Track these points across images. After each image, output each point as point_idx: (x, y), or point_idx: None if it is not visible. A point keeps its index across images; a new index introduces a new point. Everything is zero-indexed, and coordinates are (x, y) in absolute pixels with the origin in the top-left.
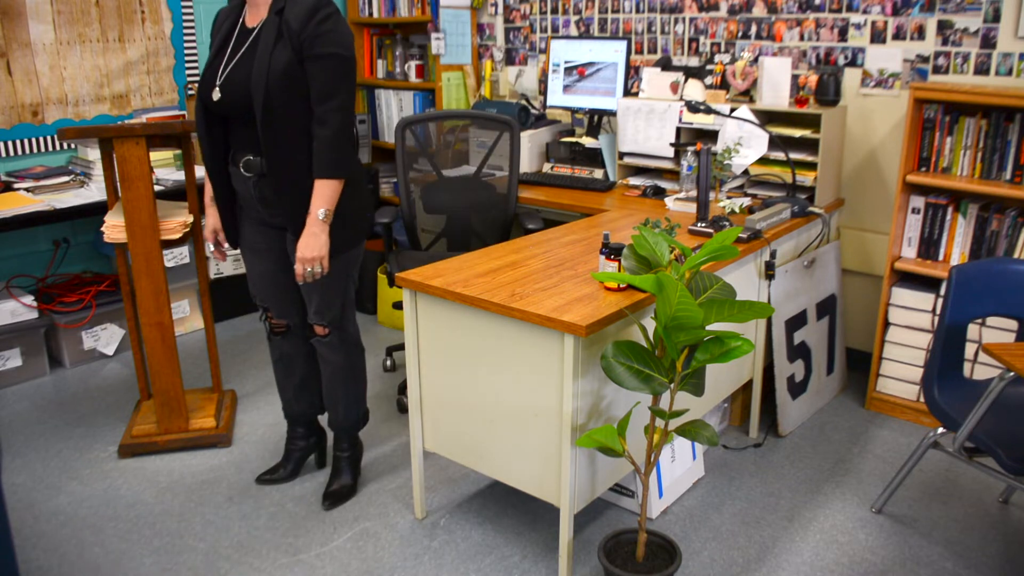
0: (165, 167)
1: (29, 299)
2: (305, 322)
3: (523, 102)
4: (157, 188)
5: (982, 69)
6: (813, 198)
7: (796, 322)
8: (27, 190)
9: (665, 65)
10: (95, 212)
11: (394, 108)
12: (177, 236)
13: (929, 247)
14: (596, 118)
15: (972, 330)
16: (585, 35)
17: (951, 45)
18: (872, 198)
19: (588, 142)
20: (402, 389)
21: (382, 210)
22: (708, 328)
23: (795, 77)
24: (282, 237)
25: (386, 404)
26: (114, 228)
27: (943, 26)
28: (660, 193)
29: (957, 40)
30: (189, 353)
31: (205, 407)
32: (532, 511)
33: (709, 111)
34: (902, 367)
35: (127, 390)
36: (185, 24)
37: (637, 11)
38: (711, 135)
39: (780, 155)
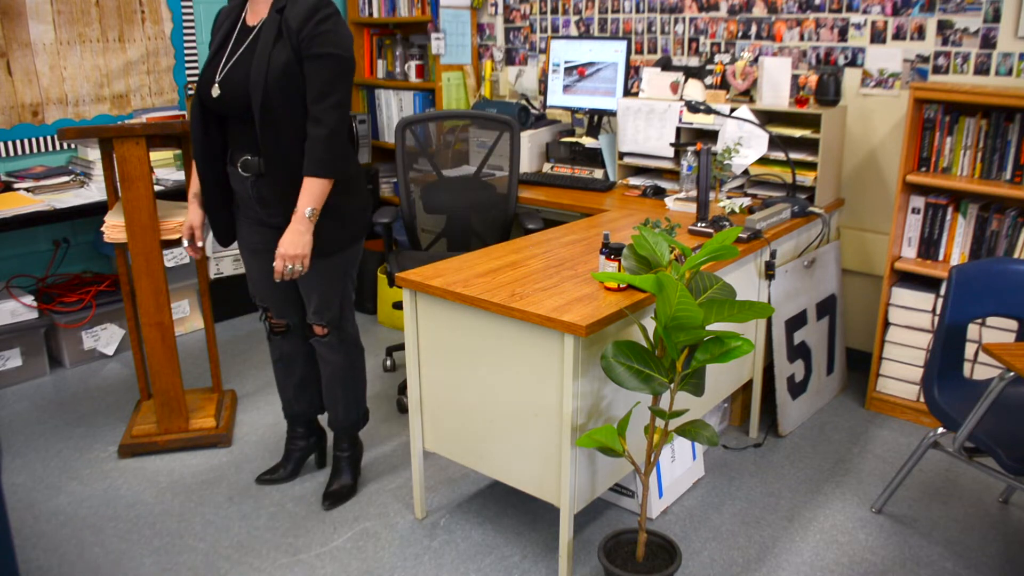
0: (165, 167)
1: (29, 299)
2: (305, 322)
3: (523, 102)
4: (157, 188)
5: (982, 69)
6: (813, 198)
7: (796, 322)
8: (27, 190)
9: (665, 65)
10: (95, 212)
11: (394, 108)
12: (177, 236)
13: (929, 247)
14: (596, 118)
15: (972, 330)
16: (585, 35)
17: (951, 45)
18: (872, 198)
19: (588, 142)
20: (402, 389)
21: (382, 210)
22: (708, 328)
23: (795, 77)
24: (280, 237)
25: (386, 404)
26: (114, 228)
27: (943, 26)
28: (660, 193)
29: (957, 40)
30: (189, 353)
31: (205, 407)
32: (532, 511)
33: (709, 111)
34: (902, 367)
35: (127, 390)
36: (185, 24)
37: (637, 11)
38: (711, 135)
39: (780, 155)
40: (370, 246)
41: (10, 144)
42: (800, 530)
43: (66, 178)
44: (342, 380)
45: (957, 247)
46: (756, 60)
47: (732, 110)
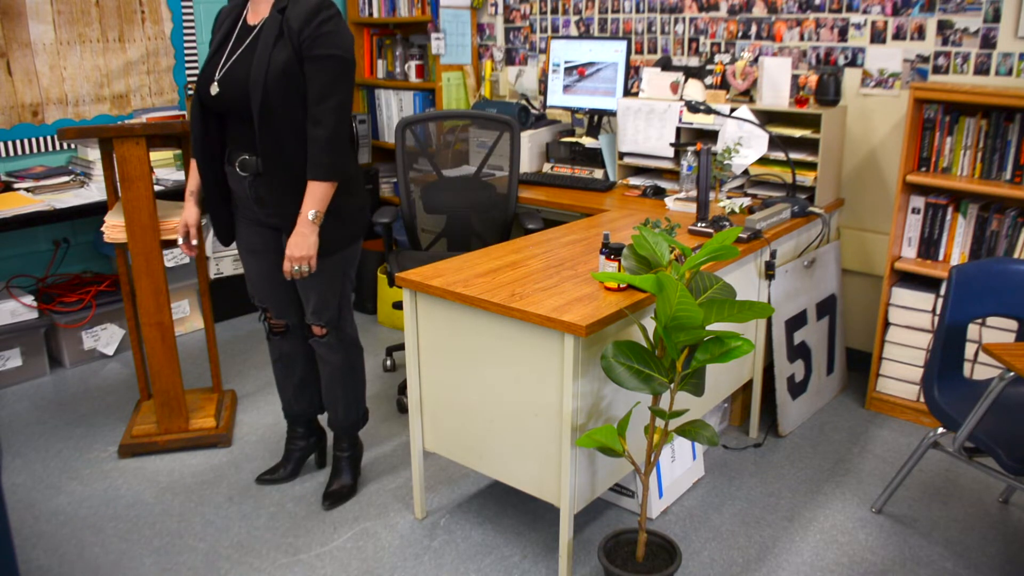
0: (165, 167)
1: (29, 299)
2: (304, 322)
3: (523, 102)
4: (157, 188)
5: (982, 69)
6: (813, 198)
7: (796, 322)
8: (27, 190)
9: (665, 65)
10: (95, 212)
11: (394, 108)
12: (177, 236)
13: (929, 247)
14: (596, 118)
15: (972, 330)
16: (585, 35)
17: (951, 45)
18: (872, 198)
19: (588, 142)
20: (402, 389)
21: (382, 210)
22: (708, 328)
23: (795, 77)
24: (279, 237)
25: (386, 404)
26: (114, 228)
27: (943, 26)
28: (660, 193)
29: (957, 40)
30: (189, 353)
31: (205, 407)
32: (532, 511)
33: (709, 111)
34: (902, 367)
35: (127, 390)
36: (185, 24)
37: (637, 11)
38: (711, 135)
39: (780, 155)
40: (370, 246)
41: (10, 144)
42: (800, 530)
43: (66, 178)
44: (341, 380)
45: (957, 247)
46: (756, 60)
47: (732, 110)
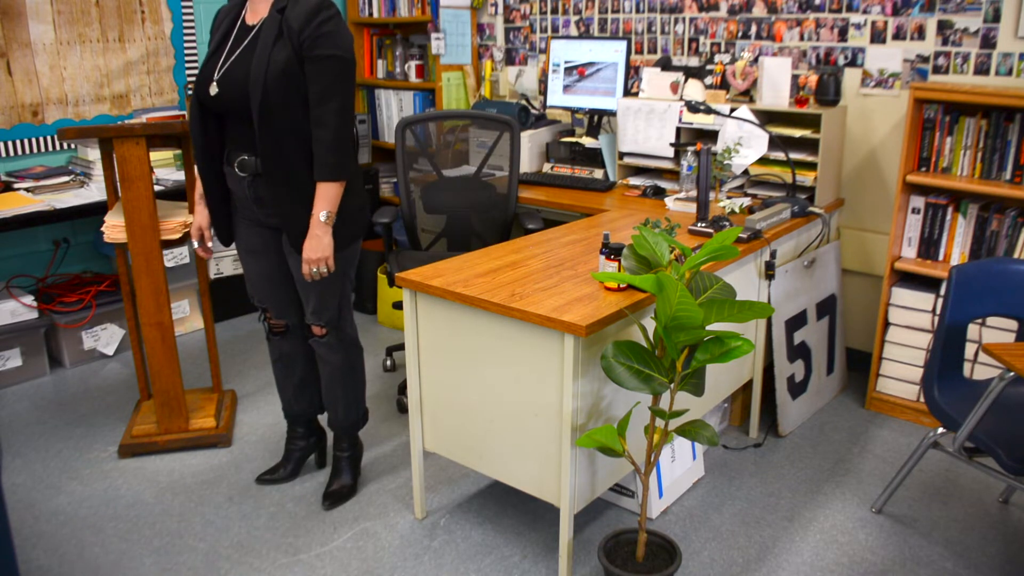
0: (165, 167)
1: (29, 299)
2: (304, 322)
3: (523, 102)
4: (157, 188)
5: (982, 69)
6: (813, 198)
7: (796, 322)
8: (27, 190)
9: (665, 65)
10: (95, 212)
11: (394, 108)
12: (177, 236)
13: (929, 247)
14: (596, 118)
15: (972, 330)
16: (585, 35)
17: (951, 45)
18: (872, 198)
19: (588, 142)
20: (402, 389)
21: (382, 210)
22: (708, 328)
23: (795, 77)
24: (278, 237)
25: (386, 404)
26: (114, 228)
27: (943, 26)
28: (660, 193)
29: (957, 40)
30: (189, 353)
31: (205, 407)
32: (532, 511)
33: (709, 111)
34: (902, 367)
35: (127, 390)
36: (185, 24)
37: (637, 11)
38: (711, 135)
39: (780, 155)
40: (370, 246)
41: (10, 144)
42: (800, 530)
43: (66, 178)
44: (341, 380)
45: (957, 247)
46: (756, 60)
47: (732, 110)
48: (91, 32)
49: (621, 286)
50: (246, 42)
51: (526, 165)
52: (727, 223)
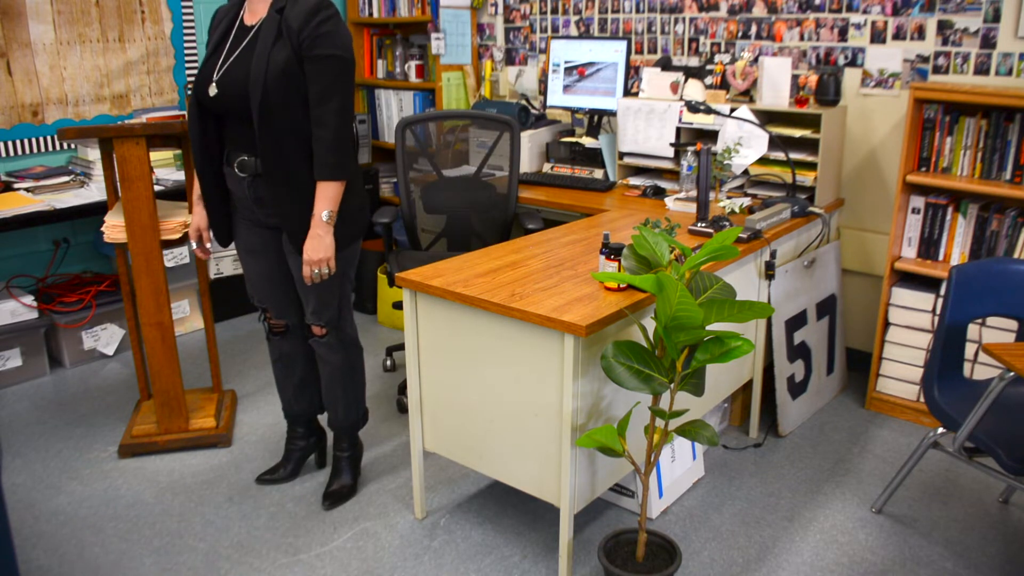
0: (165, 167)
1: (29, 299)
2: (304, 322)
3: (523, 102)
4: (157, 188)
5: (982, 69)
6: (813, 198)
7: (796, 322)
8: (27, 190)
9: (665, 65)
10: (95, 212)
11: (394, 108)
12: (177, 236)
13: (929, 247)
14: (596, 118)
15: (972, 330)
16: (585, 35)
17: (951, 45)
18: (872, 198)
19: (588, 142)
20: (402, 389)
21: (382, 210)
22: (708, 328)
23: (795, 77)
24: (278, 237)
25: (386, 404)
26: (114, 228)
27: (943, 26)
28: (660, 193)
29: (957, 40)
30: (189, 353)
31: (205, 407)
32: (532, 511)
33: (709, 111)
34: (902, 367)
35: (127, 390)
36: (185, 24)
37: (637, 11)
38: (711, 135)
39: (780, 155)
40: (370, 246)
41: (10, 144)
42: (800, 530)
43: (66, 178)
44: (341, 380)
45: (957, 247)
46: (756, 60)
47: (732, 110)
48: (91, 32)
49: (621, 286)
50: (245, 42)
51: (526, 165)
52: (727, 223)
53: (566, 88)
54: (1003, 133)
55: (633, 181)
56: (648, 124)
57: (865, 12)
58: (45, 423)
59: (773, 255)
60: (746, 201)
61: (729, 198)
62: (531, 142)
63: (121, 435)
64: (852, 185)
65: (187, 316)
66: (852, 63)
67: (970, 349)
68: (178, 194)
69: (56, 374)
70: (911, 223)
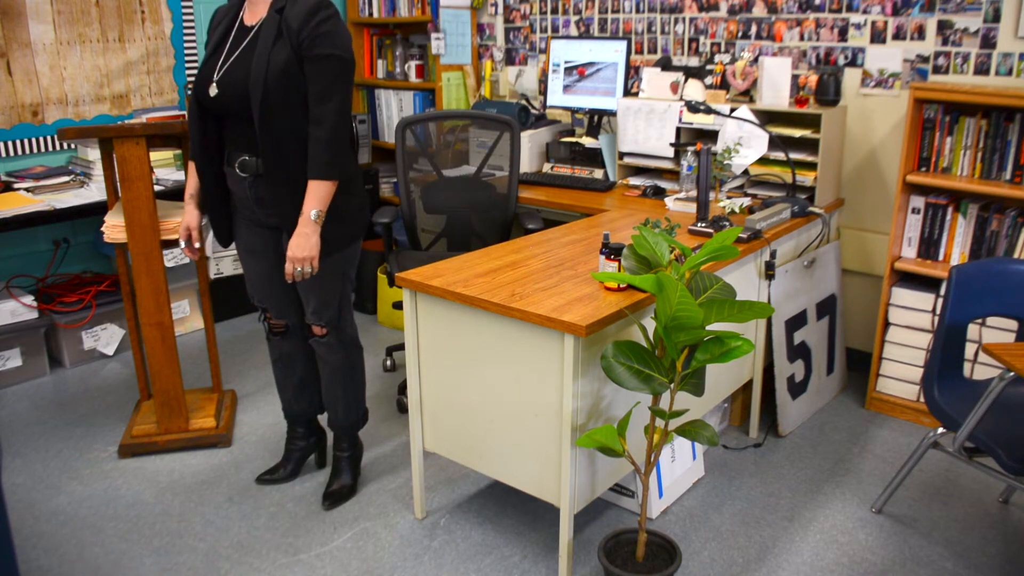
0: (165, 167)
1: (29, 299)
2: (304, 322)
3: (523, 102)
4: (157, 188)
5: (982, 69)
6: (813, 198)
7: (796, 322)
8: (27, 190)
9: (665, 65)
10: (95, 212)
11: (394, 108)
12: (177, 236)
13: (929, 247)
14: (596, 118)
15: (972, 330)
16: (585, 35)
17: (951, 45)
18: (872, 198)
19: (588, 142)
20: (402, 389)
21: (382, 210)
22: (708, 328)
23: (795, 77)
24: (278, 237)
25: (386, 404)
26: (114, 228)
27: (943, 26)
28: (660, 193)
29: (957, 40)
30: (189, 353)
31: (205, 407)
32: (532, 511)
33: (709, 111)
34: (902, 367)
35: (127, 390)
36: (185, 24)
37: (637, 11)
38: (711, 135)
39: (780, 155)
40: (370, 246)
41: (10, 144)
42: (800, 530)
43: (66, 178)
44: (341, 380)
45: (957, 247)
46: (756, 60)
47: (732, 110)
48: (91, 32)
49: (621, 286)
50: (245, 42)
51: (526, 165)
52: (727, 223)
53: (566, 88)
54: (1003, 133)
55: (633, 181)
56: (648, 124)
57: (865, 12)
58: (45, 423)
59: (773, 255)
60: (746, 201)
61: (729, 198)
62: (531, 142)
63: (121, 435)
64: (852, 185)
65: (187, 316)
66: (852, 63)
67: (970, 349)
68: (178, 194)
69: (56, 374)
70: (911, 223)
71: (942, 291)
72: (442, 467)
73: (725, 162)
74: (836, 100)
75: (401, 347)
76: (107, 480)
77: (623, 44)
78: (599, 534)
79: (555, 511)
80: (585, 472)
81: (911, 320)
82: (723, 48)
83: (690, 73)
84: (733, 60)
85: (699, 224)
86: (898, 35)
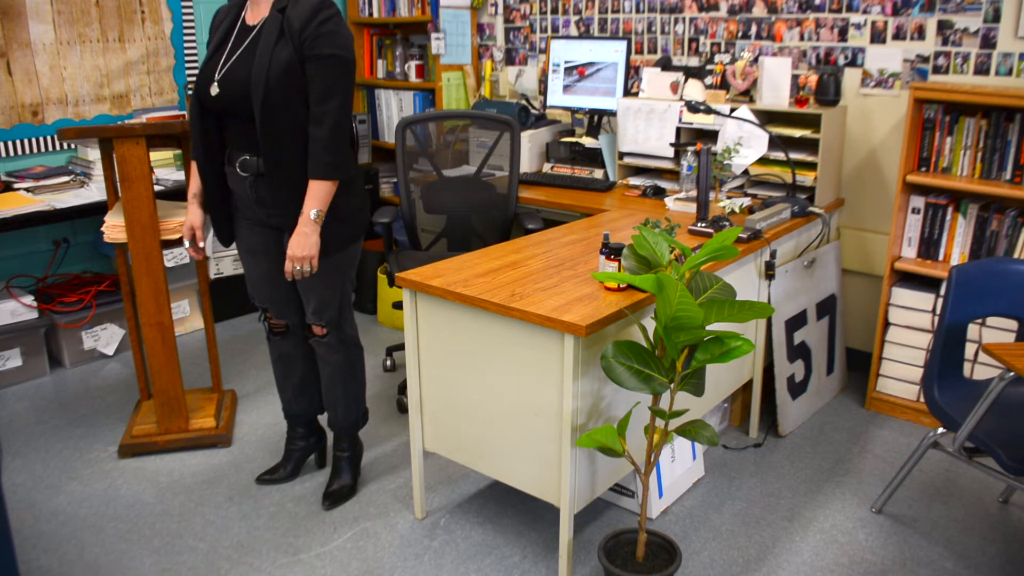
0: (165, 167)
1: (29, 299)
2: (304, 322)
3: (523, 102)
4: (157, 188)
5: (982, 69)
6: (813, 198)
7: (796, 322)
8: (27, 190)
9: (665, 65)
10: (95, 212)
11: (394, 108)
12: (177, 236)
13: (929, 247)
14: (596, 118)
15: (972, 330)
16: (585, 35)
17: (951, 45)
18: (872, 198)
19: (588, 142)
20: (402, 389)
21: (382, 210)
22: (708, 328)
23: (795, 77)
24: (279, 237)
25: (386, 404)
26: (114, 228)
27: (943, 26)
28: (660, 193)
29: (957, 40)
30: (189, 353)
31: (205, 407)
32: (532, 511)
33: (709, 111)
34: (902, 367)
35: (127, 390)
36: (185, 24)
37: (637, 11)
38: (711, 135)
39: (780, 155)
40: (370, 246)
41: (10, 144)
42: (800, 530)
43: (66, 178)
44: (342, 380)
45: (957, 247)
46: (756, 60)
47: (732, 110)
48: (91, 32)
49: (621, 286)
50: (247, 42)
51: (526, 165)
52: (727, 223)
53: (566, 88)
54: (1003, 133)
55: (633, 181)
56: (648, 124)
57: (865, 12)
58: (45, 423)
59: (773, 255)
60: (746, 201)
61: (729, 198)
62: (531, 142)
63: (121, 435)
64: (852, 185)
65: (187, 316)
66: (852, 63)
67: (970, 349)
68: (178, 194)
69: (56, 374)
70: (911, 223)
71: (942, 291)
72: (442, 467)
73: (725, 162)
74: (836, 100)
75: (401, 347)
76: (107, 480)
77: (623, 44)
78: (599, 534)
79: (555, 511)
80: (585, 472)
81: (911, 320)
82: (723, 48)
83: (690, 73)
84: (733, 60)
85: (699, 224)
86: (898, 35)
